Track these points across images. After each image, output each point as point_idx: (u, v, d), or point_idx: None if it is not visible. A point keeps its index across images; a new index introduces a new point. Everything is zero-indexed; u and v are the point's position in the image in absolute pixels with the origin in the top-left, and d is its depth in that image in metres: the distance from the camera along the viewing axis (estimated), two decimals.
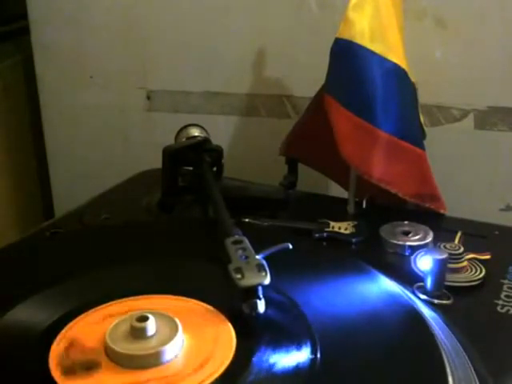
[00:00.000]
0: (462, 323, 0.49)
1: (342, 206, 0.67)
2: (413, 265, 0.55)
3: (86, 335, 0.44)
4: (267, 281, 0.45)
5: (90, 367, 0.41)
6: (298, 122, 0.73)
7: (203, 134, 0.72)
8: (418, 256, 0.55)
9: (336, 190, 0.75)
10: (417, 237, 0.59)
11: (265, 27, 0.86)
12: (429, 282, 0.51)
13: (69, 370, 0.41)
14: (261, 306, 0.45)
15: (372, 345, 0.44)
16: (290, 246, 0.50)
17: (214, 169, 0.69)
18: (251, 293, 0.45)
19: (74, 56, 0.94)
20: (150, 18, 0.90)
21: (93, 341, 0.43)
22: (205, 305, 0.47)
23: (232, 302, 0.46)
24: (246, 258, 0.48)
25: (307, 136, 0.70)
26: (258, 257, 0.48)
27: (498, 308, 0.51)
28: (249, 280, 0.45)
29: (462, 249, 0.55)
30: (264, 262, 0.47)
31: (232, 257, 0.48)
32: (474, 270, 0.55)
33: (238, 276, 0.45)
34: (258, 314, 0.45)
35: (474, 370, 0.44)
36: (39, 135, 1.01)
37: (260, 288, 0.45)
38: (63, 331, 0.45)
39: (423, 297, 0.51)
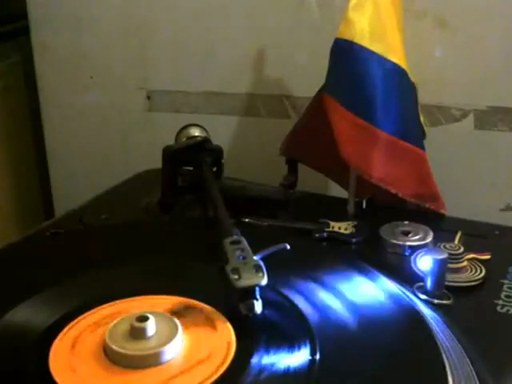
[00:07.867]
0: (462, 323, 0.49)
1: (342, 206, 0.67)
2: (413, 265, 0.55)
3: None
4: (264, 282, 0.45)
5: None
6: (297, 122, 0.73)
7: (203, 134, 0.72)
8: (418, 256, 0.55)
9: (336, 190, 0.74)
10: (417, 237, 0.59)
11: (265, 27, 0.86)
12: (429, 282, 0.51)
13: None
14: (258, 306, 0.45)
15: (372, 345, 0.44)
16: (288, 247, 0.49)
17: (214, 169, 0.69)
18: (248, 293, 0.45)
19: (74, 56, 0.94)
20: (150, 18, 0.90)
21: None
22: (205, 305, 0.47)
23: (231, 303, 0.46)
24: (244, 258, 0.48)
25: (307, 136, 0.70)
26: (255, 257, 0.48)
27: (498, 308, 0.51)
28: (246, 281, 0.45)
29: (461, 249, 0.55)
30: (261, 263, 0.47)
31: (229, 257, 0.48)
32: (473, 270, 0.55)
33: (235, 276, 0.45)
34: (255, 314, 0.45)
35: (474, 369, 0.44)
36: (39, 135, 1.01)
37: (257, 289, 0.45)
38: (63, 331, 0.45)
39: (423, 297, 0.51)
